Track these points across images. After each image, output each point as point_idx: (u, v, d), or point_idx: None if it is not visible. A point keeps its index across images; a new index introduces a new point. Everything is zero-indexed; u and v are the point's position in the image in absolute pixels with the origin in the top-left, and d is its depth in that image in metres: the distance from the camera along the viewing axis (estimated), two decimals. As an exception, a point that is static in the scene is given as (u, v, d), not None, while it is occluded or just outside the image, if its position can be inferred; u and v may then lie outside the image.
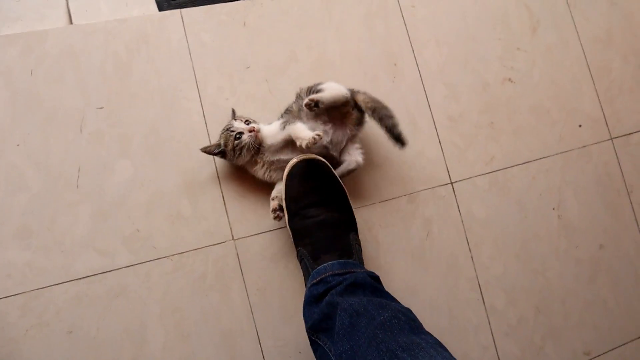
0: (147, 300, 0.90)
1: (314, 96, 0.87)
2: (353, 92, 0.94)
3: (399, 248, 1.01)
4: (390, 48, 1.08)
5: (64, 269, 0.88)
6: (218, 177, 0.95)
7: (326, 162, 0.88)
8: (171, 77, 0.97)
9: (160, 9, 1.02)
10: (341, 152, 0.94)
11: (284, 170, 0.89)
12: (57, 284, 0.88)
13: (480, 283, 1.04)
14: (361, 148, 0.95)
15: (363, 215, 0.99)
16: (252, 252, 0.94)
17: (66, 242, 0.89)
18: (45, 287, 0.88)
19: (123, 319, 0.89)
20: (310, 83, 0.95)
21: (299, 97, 0.94)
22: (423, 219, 1.03)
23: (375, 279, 0.83)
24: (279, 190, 0.91)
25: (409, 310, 0.75)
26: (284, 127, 0.89)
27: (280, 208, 0.89)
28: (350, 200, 0.90)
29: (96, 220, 0.91)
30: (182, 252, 0.92)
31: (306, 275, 0.86)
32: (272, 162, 0.91)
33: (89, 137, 0.93)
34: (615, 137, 1.17)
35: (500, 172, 1.09)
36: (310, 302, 0.80)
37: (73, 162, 0.92)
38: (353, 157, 0.94)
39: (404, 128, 1.02)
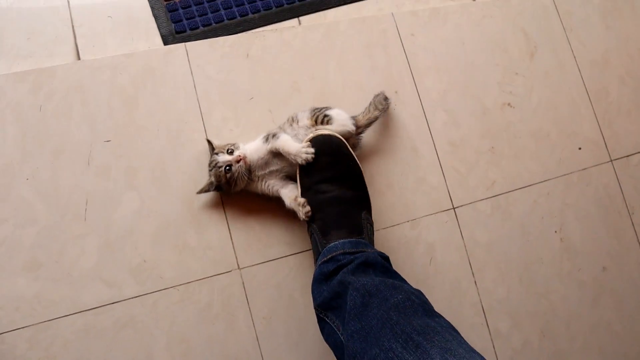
0: (154, 331, 0.91)
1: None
2: (356, 120, 0.97)
3: (403, 274, 1.00)
4: (391, 76, 1.10)
5: (72, 301, 0.90)
6: (223, 207, 0.97)
7: (342, 138, 0.89)
8: (177, 110, 0.99)
9: (166, 42, 1.04)
10: None
11: (280, 178, 0.92)
12: (65, 316, 0.89)
13: (484, 307, 1.04)
14: None
15: (367, 242, 1.00)
16: (257, 280, 0.95)
17: (74, 273, 0.91)
18: (53, 319, 0.89)
19: (130, 350, 0.90)
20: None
21: (292, 120, 0.97)
22: (426, 244, 1.04)
23: (386, 259, 0.83)
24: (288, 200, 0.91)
25: (420, 293, 0.75)
26: (267, 140, 0.91)
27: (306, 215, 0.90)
28: (365, 180, 0.91)
29: (103, 252, 0.92)
30: (188, 282, 0.93)
31: (315, 251, 0.86)
32: (264, 175, 0.92)
33: (97, 170, 0.95)
34: (615, 159, 1.18)
35: (502, 196, 1.10)
36: (320, 280, 0.81)
37: (81, 195, 0.93)
38: None
39: (406, 154, 1.04)
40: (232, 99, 1.02)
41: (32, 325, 0.88)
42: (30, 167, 0.93)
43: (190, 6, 1.07)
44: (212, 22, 1.07)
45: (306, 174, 0.88)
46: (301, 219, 0.88)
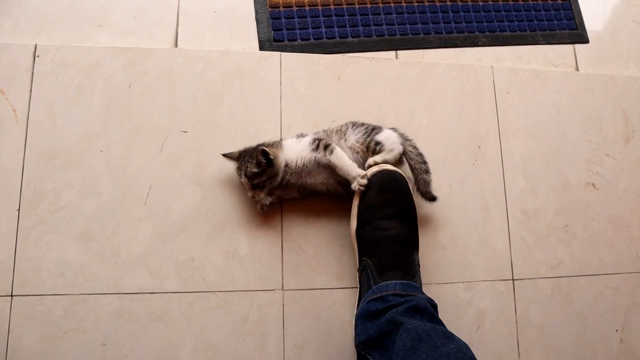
0: (184, 331, 0.89)
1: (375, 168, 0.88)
2: (403, 139, 0.96)
3: (446, 335, 0.96)
4: (477, 130, 1.06)
5: (113, 281, 0.89)
6: (282, 224, 0.94)
7: (405, 176, 0.88)
8: (258, 116, 0.98)
9: (262, 48, 1.04)
10: None
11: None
12: (104, 294, 0.88)
13: (523, 392, 0.97)
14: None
15: (416, 294, 0.96)
16: (298, 306, 0.92)
17: (122, 254, 0.90)
18: (92, 294, 0.88)
19: (157, 343, 0.88)
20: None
21: (340, 131, 0.94)
22: (477, 310, 0.98)
23: (434, 307, 0.81)
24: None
25: (467, 347, 0.72)
26: (317, 148, 0.88)
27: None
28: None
29: (155, 240, 0.91)
30: (229, 291, 0.91)
31: (365, 287, 0.84)
32: (300, 184, 0.91)
33: (168, 157, 0.95)
34: (697, 269, 1.09)
35: (566, 279, 1.03)
36: (366, 317, 0.79)
37: (147, 178, 0.93)
38: None
39: (476, 213, 0.99)
40: (315, 118, 1.00)
41: (72, 294, 0.87)
42: (107, 141, 0.94)
43: (293, 18, 1.07)
44: (311, 37, 1.06)
45: (367, 208, 0.86)
46: (355, 188, 0.86)
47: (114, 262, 0.90)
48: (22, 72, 0.94)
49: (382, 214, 0.85)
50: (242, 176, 0.88)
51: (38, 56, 0.95)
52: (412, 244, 0.87)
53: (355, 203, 0.88)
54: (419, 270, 0.86)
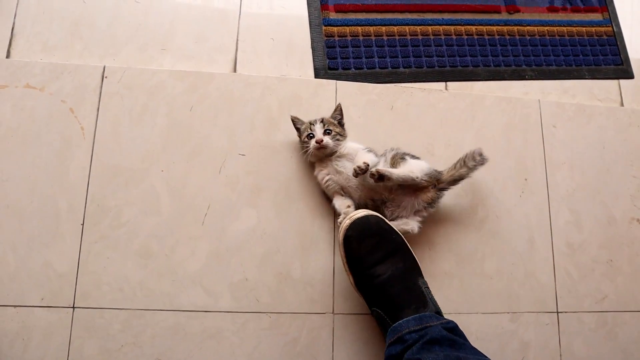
0: (236, 350, 0.91)
1: (381, 170, 0.88)
2: (439, 174, 0.95)
3: (490, 366, 0.97)
4: (523, 162, 1.08)
5: (170, 298, 0.92)
6: (333, 249, 0.97)
7: (377, 214, 0.87)
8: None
9: (317, 75, 1.08)
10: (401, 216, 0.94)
11: (337, 189, 0.94)
12: (160, 310, 0.91)
13: None
14: (421, 223, 0.95)
15: (463, 322, 0.96)
16: (348, 330, 0.94)
17: (179, 272, 0.93)
18: (149, 309, 0.91)
19: (210, 361, 0.90)
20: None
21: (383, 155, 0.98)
22: (521, 342, 0.99)
23: (451, 330, 0.79)
24: (340, 204, 0.94)
25: None
26: (364, 170, 0.90)
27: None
28: (409, 245, 0.88)
29: (211, 259, 0.94)
30: (281, 312, 0.93)
31: (384, 331, 0.84)
32: (336, 171, 0.94)
33: (225, 179, 0.98)
34: None
35: (611, 314, 1.04)
36: None
37: (205, 199, 0.96)
38: (410, 223, 0.93)
39: (522, 244, 1.01)
40: (368, 145, 1.02)
41: (129, 309, 0.90)
42: (167, 161, 0.97)
43: (347, 47, 1.10)
44: (364, 66, 1.09)
45: (355, 262, 0.85)
46: (338, 222, 0.91)
47: (171, 280, 0.92)
48: (91, 92, 0.98)
49: (370, 263, 0.84)
50: (319, 122, 0.95)
51: (106, 77, 0.99)
52: (412, 273, 0.85)
53: (343, 260, 0.87)
54: (429, 294, 0.85)
